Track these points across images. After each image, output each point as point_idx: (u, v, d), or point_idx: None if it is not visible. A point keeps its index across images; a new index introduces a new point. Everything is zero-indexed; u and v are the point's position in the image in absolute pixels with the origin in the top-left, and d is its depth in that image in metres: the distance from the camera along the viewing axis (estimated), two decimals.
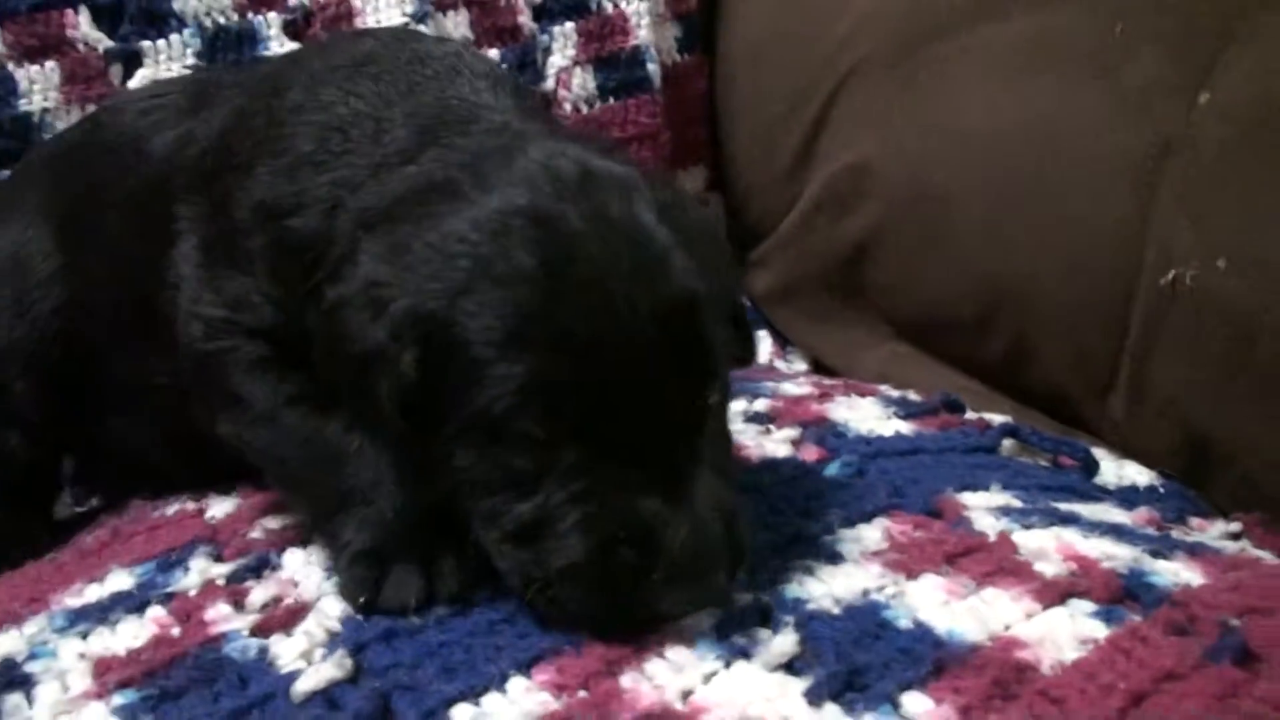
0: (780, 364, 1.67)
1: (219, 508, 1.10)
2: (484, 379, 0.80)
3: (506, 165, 0.86)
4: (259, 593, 0.91)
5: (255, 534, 1.01)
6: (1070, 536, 0.86)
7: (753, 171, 1.72)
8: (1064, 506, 0.95)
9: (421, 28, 1.54)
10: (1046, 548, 0.83)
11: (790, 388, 1.24)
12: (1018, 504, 0.94)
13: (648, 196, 0.85)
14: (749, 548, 0.81)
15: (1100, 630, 0.74)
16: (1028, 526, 0.88)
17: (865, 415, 1.15)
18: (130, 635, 0.88)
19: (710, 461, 0.82)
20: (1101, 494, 1.05)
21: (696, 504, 0.79)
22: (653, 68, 1.65)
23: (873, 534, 0.88)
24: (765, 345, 1.71)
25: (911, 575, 0.81)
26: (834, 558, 0.85)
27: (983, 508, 0.92)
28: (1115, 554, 0.82)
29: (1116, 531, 0.88)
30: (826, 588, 0.80)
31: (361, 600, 0.86)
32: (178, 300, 1.02)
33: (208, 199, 1.03)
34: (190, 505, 1.14)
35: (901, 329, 1.52)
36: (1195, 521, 1.03)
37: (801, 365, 1.66)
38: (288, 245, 0.94)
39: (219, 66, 1.46)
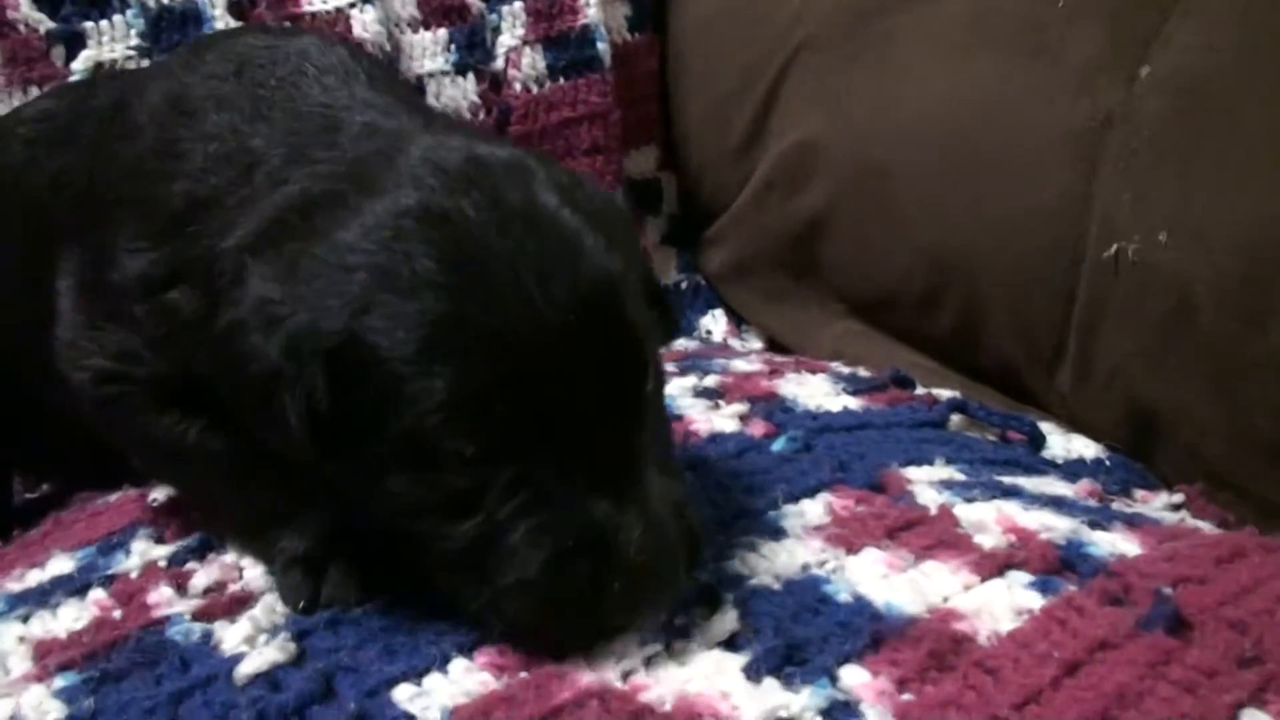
0: (735, 342, 1.67)
1: (162, 491, 1.08)
2: (403, 398, 0.74)
3: (388, 166, 0.81)
4: (201, 576, 0.90)
5: (195, 516, 1.00)
6: (1010, 509, 0.86)
7: (705, 150, 1.72)
8: (1007, 479, 0.95)
9: (369, 8, 1.53)
10: (986, 520, 0.84)
11: (741, 364, 1.24)
12: (961, 477, 0.95)
13: (544, 179, 0.80)
14: (702, 539, 0.79)
15: (1036, 601, 0.74)
16: (969, 500, 0.88)
17: (814, 391, 1.15)
18: (71, 618, 0.87)
19: (655, 454, 0.78)
20: (1047, 467, 1.05)
21: (649, 503, 0.75)
22: (603, 47, 1.64)
23: (815, 509, 0.88)
24: (720, 324, 1.71)
25: (852, 549, 0.82)
26: (776, 533, 0.85)
27: (925, 482, 0.93)
28: (1054, 525, 0.83)
29: (1057, 503, 0.89)
30: (768, 563, 0.81)
31: (301, 604, 0.85)
32: (57, 335, 0.97)
33: (81, 252, 0.98)
34: (133, 491, 1.13)
35: (854, 306, 1.52)
36: (1140, 493, 1.04)
37: (756, 344, 1.67)
38: (171, 319, 0.88)
39: (105, 75, 1.40)
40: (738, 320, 1.72)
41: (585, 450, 0.76)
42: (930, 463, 0.98)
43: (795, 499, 0.90)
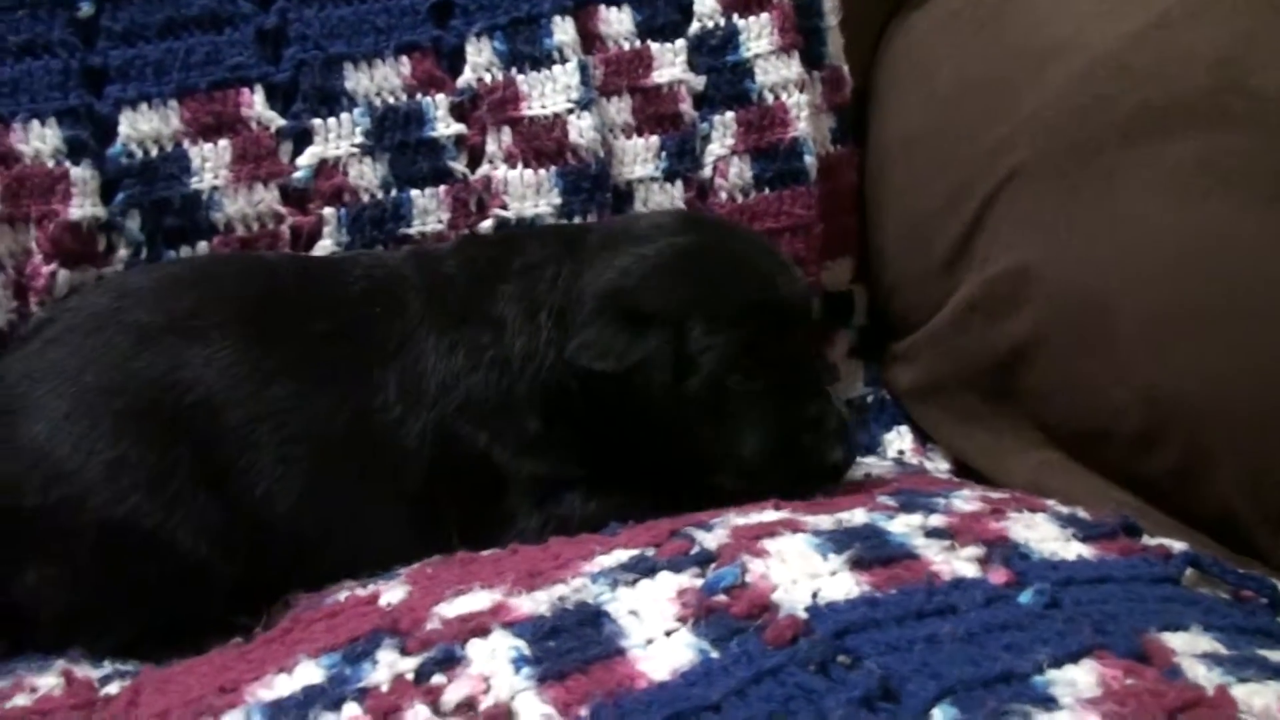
0: (921, 461, 1.66)
1: (391, 594, 1.10)
2: (710, 348, 1.22)
3: (676, 222, 1.36)
4: (452, 691, 0.90)
5: (433, 624, 1.00)
6: None
7: (901, 265, 1.71)
8: (1271, 655, 0.92)
9: (586, 114, 1.57)
10: (1270, 707, 0.81)
11: (960, 503, 1.23)
12: (1223, 650, 0.92)
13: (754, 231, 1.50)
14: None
15: None
16: (1243, 679, 0.85)
17: (1044, 535, 1.12)
18: None
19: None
20: None
21: (832, 401, 1.31)
22: (810, 160, 1.64)
23: (1085, 678, 0.85)
24: (905, 440, 1.70)
25: None
26: (1049, 703, 0.82)
27: (1190, 654, 0.90)
28: None
29: None
30: None
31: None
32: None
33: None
34: (360, 591, 1.15)
35: (1053, 436, 1.50)
36: None
37: (943, 464, 1.65)
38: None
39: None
40: (923, 439, 1.70)
41: (798, 379, 1.29)
42: (1186, 628, 0.95)
43: (1059, 664, 0.87)
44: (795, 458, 1.26)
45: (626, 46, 1.62)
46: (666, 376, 1.21)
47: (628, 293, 1.25)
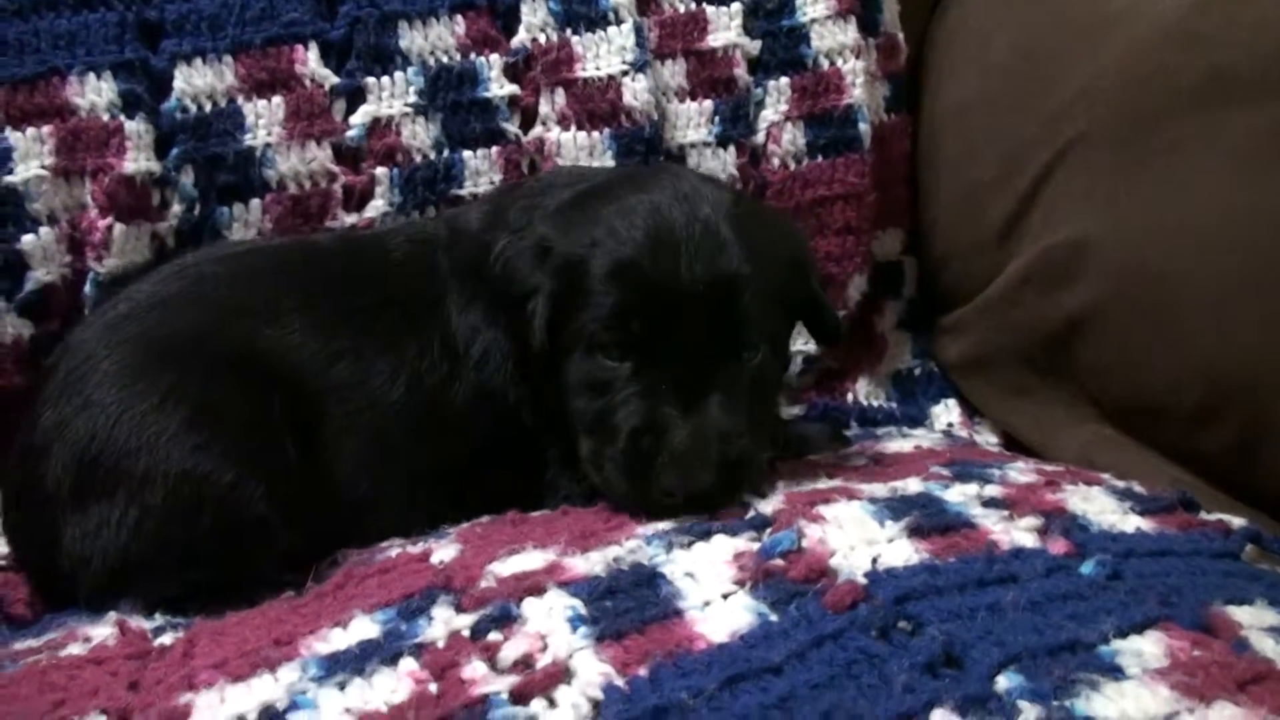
0: (970, 434, 1.64)
1: (443, 552, 1.10)
2: (589, 307, 1.17)
3: (655, 177, 1.26)
4: (509, 649, 0.90)
5: (487, 582, 1.00)
6: None
7: (953, 236, 1.69)
8: None
9: (640, 77, 1.56)
10: None
11: (1015, 474, 1.22)
12: None
13: (727, 209, 1.20)
14: (753, 468, 1.17)
15: None
16: None
17: (1102, 508, 1.11)
18: (388, 689, 0.88)
19: (728, 398, 1.16)
20: None
21: (702, 417, 1.15)
22: (864, 127, 1.64)
23: (1152, 649, 0.85)
24: (953, 414, 1.69)
25: (1205, 701, 0.78)
26: (1116, 672, 0.82)
27: (1257, 627, 0.89)
28: None
29: None
30: (1118, 708, 0.78)
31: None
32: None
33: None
34: (412, 549, 1.15)
35: (1106, 411, 1.48)
36: None
37: (991, 438, 1.63)
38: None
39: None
40: (970, 411, 1.69)
41: (676, 376, 1.16)
42: (1251, 603, 0.94)
43: (1124, 634, 0.86)
44: (631, 458, 1.16)
45: (682, 9, 1.61)
46: (545, 314, 1.20)
47: (546, 232, 1.24)
